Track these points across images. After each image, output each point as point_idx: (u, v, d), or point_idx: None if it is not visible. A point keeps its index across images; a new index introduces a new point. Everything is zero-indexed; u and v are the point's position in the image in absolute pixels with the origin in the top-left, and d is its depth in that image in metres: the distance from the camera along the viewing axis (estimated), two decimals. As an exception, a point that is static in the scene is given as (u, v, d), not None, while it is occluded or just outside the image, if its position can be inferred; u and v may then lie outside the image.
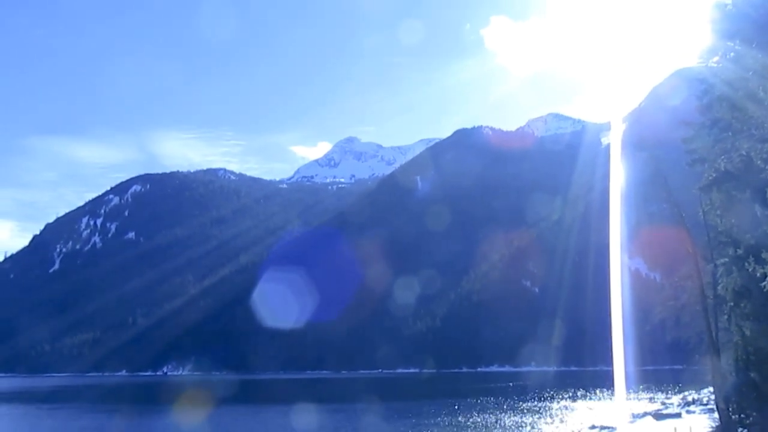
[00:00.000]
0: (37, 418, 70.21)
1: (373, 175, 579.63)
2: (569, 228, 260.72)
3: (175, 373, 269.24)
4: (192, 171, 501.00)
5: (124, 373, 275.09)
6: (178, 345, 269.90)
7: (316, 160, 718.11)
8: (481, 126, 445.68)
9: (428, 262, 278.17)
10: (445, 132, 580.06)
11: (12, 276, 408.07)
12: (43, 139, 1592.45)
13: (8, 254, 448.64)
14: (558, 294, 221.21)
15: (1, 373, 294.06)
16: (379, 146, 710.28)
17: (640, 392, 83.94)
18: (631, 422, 48.76)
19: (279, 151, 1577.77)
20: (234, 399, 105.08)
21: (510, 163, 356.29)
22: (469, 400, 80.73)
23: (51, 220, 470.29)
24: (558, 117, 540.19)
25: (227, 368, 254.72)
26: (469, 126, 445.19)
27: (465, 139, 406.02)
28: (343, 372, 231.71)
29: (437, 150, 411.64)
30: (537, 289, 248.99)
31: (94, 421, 65.83)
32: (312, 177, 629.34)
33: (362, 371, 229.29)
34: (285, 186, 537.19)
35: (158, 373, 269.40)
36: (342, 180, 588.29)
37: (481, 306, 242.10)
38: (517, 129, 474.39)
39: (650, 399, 73.43)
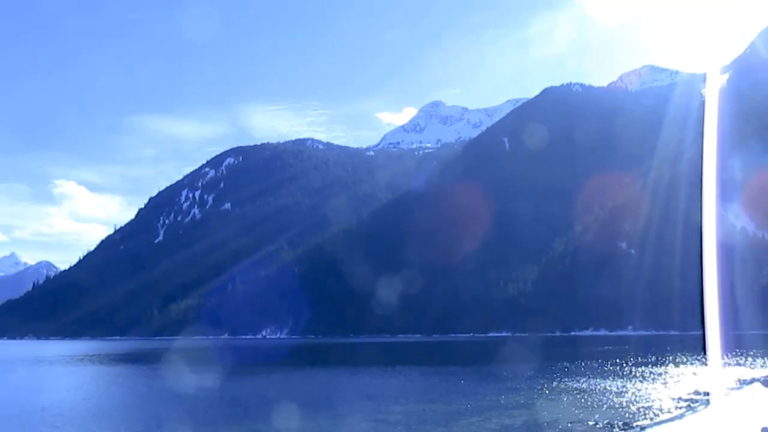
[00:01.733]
0: (147, 378, 75.40)
1: (459, 138, 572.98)
2: (668, 186, 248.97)
3: (273, 336, 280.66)
4: (281, 142, 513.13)
5: (226, 336, 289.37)
6: (275, 310, 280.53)
7: (402, 126, 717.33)
8: (570, 83, 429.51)
9: (516, 225, 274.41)
10: (532, 91, 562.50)
11: (122, 247, 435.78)
12: (144, 118, 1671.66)
13: (117, 227, 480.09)
14: (656, 255, 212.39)
15: (117, 337, 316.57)
16: (465, 109, 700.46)
17: (748, 357, 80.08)
18: (737, 389, 46.83)
19: (365, 118, 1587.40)
20: (328, 361, 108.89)
21: (602, 120, 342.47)
22: (562, 364, 79.78)
23: (154, 193, 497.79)
24: (654, 69, 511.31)
25: (321, 332, 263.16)
26: (557, 84, 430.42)
27: (554, 98, 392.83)
28: (435, 336, 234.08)
29: (525, 110, 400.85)
30: (633, 251, 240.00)
31: (198, 380, 69.99)
32: (398, 143, 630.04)
33: (453, 335, 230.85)
34: (372, 153, 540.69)
35: (257, 337, 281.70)
36: (428, 145, 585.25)
37: (574, 268, 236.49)
38: (609, 84, 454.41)
39: (762, 365, 70.10)
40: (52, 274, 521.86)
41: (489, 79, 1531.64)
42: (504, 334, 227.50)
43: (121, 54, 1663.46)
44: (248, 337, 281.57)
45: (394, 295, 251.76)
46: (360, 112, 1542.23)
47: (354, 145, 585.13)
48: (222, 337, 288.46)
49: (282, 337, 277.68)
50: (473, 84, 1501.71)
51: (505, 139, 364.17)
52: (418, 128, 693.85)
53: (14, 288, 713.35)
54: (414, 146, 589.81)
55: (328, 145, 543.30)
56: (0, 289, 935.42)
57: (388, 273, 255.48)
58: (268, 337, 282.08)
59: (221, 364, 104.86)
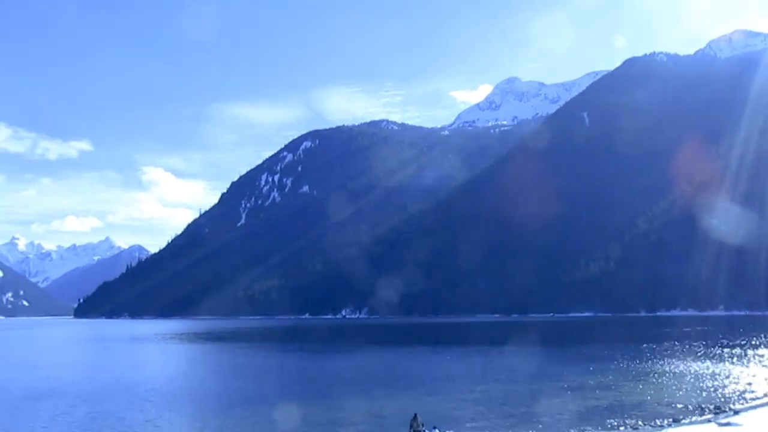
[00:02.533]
0: (233, 355, 78.37)
1: (536, 115, 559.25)
2: (756, 159, 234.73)
3: (353, 316, 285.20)
4: (356, 124, 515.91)
5: (307, 315, 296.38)
6: (354, 290, 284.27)
7: (477, 104, 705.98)
8: (654, 53, 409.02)
9: (598, 202, 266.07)
10: (613, 63, 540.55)
11: (207, 230, 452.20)
12: (224, 106, 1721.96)
13: (202, 211, 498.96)
14: (746, 232, 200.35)
15: (204, 316, 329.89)
16: (542, 84, 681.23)
17: None
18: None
19: (439, 97, 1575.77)
20: (407, 341, 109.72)
21: (687, 90, 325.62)
22: (648, 345, 77.43)
23: (235, 178, 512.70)
24: (746, 33, 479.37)
25: (400, 312, 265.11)
26: (639, 54, 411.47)
27: (636, 69, 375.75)
28: (514, 315, 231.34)
29: (605, 83, 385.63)
30: (723, 227, 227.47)
31: (281, 358, 72.21)
32: (473, 122, 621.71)
33: (533, 315, 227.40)
34: (447, 133, 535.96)
35: (338, 316, 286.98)
36: (504, 122, 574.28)
37: (660, 246, 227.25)
38: (696, 52, 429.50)
39: None
40: (143, 257, 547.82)
41: (566, 52, 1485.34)
42: (586, 314, 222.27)
43: (203, 45, 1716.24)
44: (328, 316, 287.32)
45: (472, 274, 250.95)
46: (434, 91, 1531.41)
47: (428, 125, 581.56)
48: (303, 316, 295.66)
49: (361, 316, 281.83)
50: (550, 58, 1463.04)
51: (585, 114, 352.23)
52: (493, 106, 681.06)
53: (110, 270, 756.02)
54: (490, 124, 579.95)
55: (403, 125, 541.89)
56: (97, 271, 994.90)
57: (464, 253, 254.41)
58: (348, 316, 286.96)
59: (303, 343, 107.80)
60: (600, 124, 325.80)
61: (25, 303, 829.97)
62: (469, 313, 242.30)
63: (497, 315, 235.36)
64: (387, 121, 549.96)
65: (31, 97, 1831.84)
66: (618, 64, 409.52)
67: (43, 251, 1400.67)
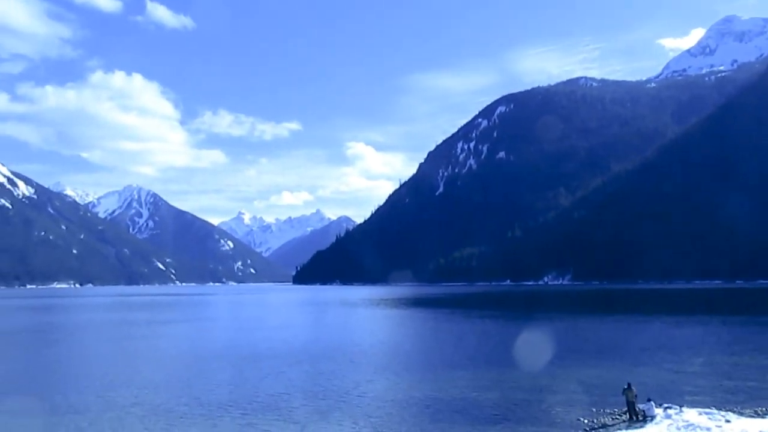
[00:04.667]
0: (434, 320, 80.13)
1: (761, 56, 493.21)
2: None
3: (555, 282, 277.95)
4: (552, 84, 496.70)
5: (508, 282, 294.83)
6: (555, 256, 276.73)
7: (688, 50, 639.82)
8: None
9: None
10: None
11: (407, 200, 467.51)
12: (418, 77, 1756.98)
13: (402, 182, 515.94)
14: None
15: (409, 283, 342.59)
16: (767, 21, 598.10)
17: None
18: None
19: (643, 47, 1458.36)
20: (614, 309, 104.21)
21: None
22: None
23: (432, 148, 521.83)
24: None
25: (605, 278, 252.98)
26: None
27: None
28: (738, 282, 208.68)
29: None
30: None
31: (483, 324, 72.38)
32: (684, 70, 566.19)
33: (762, 281, 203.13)
34: (653, 85, 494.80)
35: (539, 283, 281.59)
36: (721, 68, 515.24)
37: None
38: None
39: None
40: (350, 227, 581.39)
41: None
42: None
43: (394, 18, 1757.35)
44: (530, 283, 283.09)
45: (686, 236, 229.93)
46: (637, 40, 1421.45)
47: (632, 78, 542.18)
48: (503, 283, 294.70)
49: (564, 283, 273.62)
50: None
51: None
52: (707, 50, 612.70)
53: (321, 240, 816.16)
54: (704, 71, 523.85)
55: (603, 81, 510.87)
56: (310, 241, 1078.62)
57: (676, 215, 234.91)
58: (549, 283, 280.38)
59: (504, 309, 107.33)
60: None
61: (252, 271, 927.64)
62: (685, 279, 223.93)
63: (718, 281, 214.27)
64: (585, 78, 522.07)
65: (248, 85, 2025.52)
66: None
67: (265, 224, 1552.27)
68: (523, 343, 51.86)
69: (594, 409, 26.60)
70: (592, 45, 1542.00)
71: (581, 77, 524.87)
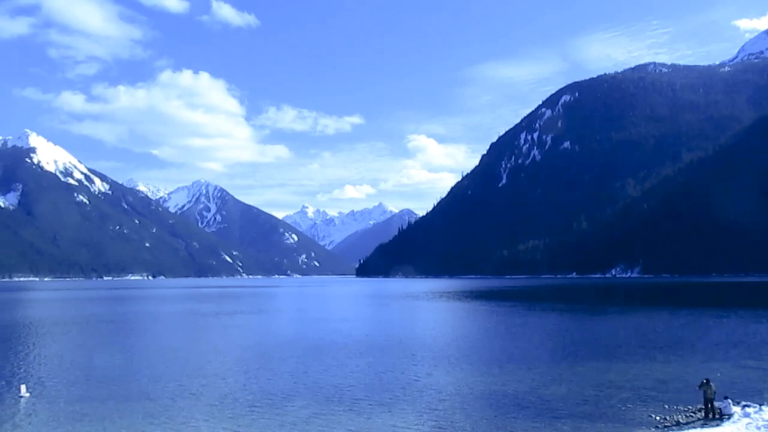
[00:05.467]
0: (499, 314, 79.02)
1: None
2: None
3: (624, 275, 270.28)
4: (619, 71, 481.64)
5: (573, 275, 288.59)
6: (624, 248, 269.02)
7: (765, 31, 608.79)
8: None
9: None
10: None
11: (469, 192, 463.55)
12: (479, 68, 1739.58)
13: (464, 174, 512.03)
14: None
15: (471, 276, 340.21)
16: None
17: None
18: None
19: (716, 29, 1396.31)
20: (687, 302, 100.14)
21: None
22: None
23: (494, 139, 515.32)
24: None
25: (677, 271, 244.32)
26: None
27: None
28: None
29: None
30: None
31: (547, 318, 70.97)
32: (761, 52, 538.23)
33: None
34: (727, 69, 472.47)
35: (606, 276, 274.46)
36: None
37: None
38: None
39: None
40: (412, 219, 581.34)
41: None
42: None
43: (454, 9, 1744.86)
44: (596, 276, 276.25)
45: (763, 227, 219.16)
46: (710, 22, 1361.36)
47: (704, 62, 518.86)
48: (569, 276, 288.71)
49: (633, 275, 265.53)
50: None
51: None
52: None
53: (384, 233, 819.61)
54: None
55: (673, 66, 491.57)
56: (373, 234, 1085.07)
57: (752, 204, 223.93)
58: (617, 275, 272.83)
59: (570, 303, 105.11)
60: None
61: (316, 263, 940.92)
62: (763, 272, 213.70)
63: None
64: (654, 63, 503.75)
65: (311, 81, 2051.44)
66: None
67: (327, 218, 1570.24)
68: (590, 337, 50.60)
69: (666, 406, 25.63)
70: (660, 29, 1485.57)
71: (650, 63, 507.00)
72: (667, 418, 24.01)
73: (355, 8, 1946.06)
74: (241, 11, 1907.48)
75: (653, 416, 24.16)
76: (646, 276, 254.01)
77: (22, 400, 27.44)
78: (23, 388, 28.51)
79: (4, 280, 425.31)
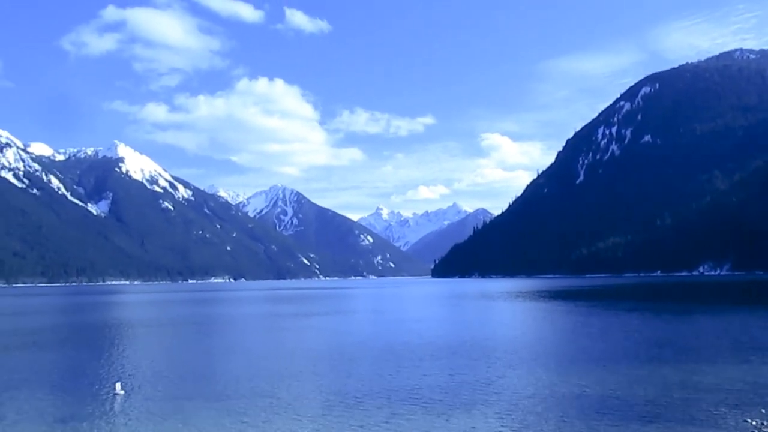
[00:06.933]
0: (579, 314, 76.78)
1: None
2: None
3: (712, 272, 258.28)
4: (702, 60, 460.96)
5: (658, 273, 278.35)
6: (712, 244, 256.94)
7: None
8: None
9: None
10: None
11: (546, 190, 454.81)
12: (552, 62, 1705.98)
13: (540, 171, 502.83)
14: None
15: (550, 275, 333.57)
16: None
17: None
18: None
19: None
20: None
21: None
22: None
23: (570, 135, 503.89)
24: None
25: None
26: None
27: None
28: None
29: None
30: None
31: (629, 318, 68.45)
32: None
33: None
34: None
35: (693, 273, 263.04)
36: None
37: None
38: None
39: None
40: (487, 219, 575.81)
41: None
42: None
43: (525, 2, 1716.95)
44: (683, 273, 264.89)
45: None
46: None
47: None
48: (654, 274, 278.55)
49: (722, 273, 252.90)
50: None
51: None
52: None
53: (459, 233, 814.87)
54: None
55: (762, 52, 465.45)
56: (448, 234, 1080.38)
57: None
58: (705, 273, 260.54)
59: (653, 302, 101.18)
60: None
61: (391, 264, 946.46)
62: None
63: None
64: (741, 50, 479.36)
65: (383, 83, 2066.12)
66: None
67: (402, 219, 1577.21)
68: (676, 337, 48.47)
69: (764, 410, 24.14)
70: (747, 13, 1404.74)
71: (736, 50, 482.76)
72: (765, 423, 22.59)
73: (424, 9, 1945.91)
74: (313, 18, 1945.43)
75: (749, 421, 22.80)
76: (736, 273, 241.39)
77: (117, 397, 28.77)
78: (118, 386, 29.87)
79: (97, 283, 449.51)
